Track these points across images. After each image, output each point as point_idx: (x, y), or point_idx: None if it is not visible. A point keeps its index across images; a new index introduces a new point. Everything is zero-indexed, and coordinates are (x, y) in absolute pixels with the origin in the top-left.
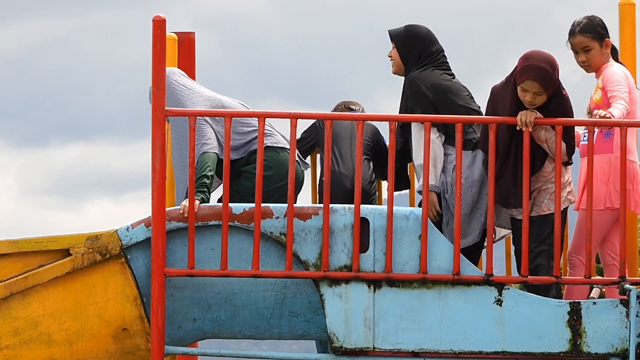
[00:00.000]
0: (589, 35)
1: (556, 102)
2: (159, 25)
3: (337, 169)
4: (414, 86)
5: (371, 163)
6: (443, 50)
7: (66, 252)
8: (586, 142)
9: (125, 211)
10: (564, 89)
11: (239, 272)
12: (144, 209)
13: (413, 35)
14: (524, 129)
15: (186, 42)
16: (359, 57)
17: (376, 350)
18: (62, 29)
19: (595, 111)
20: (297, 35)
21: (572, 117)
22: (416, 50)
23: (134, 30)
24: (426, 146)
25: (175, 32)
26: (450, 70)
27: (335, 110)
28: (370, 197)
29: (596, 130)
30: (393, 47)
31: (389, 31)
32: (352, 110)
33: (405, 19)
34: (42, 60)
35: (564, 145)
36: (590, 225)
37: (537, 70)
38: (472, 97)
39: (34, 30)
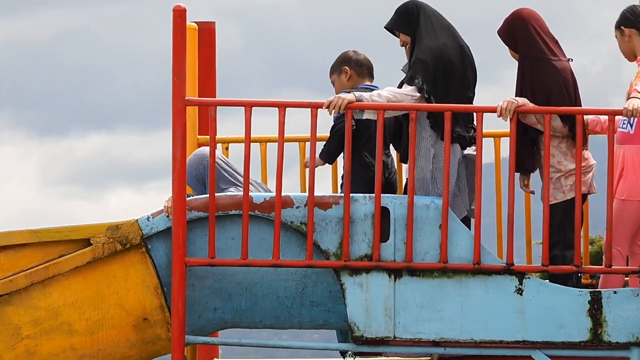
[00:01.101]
0: (626, 25)
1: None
2: (180, 14)
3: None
4: None
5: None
6: None
7: (87, 242)
8: (625, 130)
9: (147, 201)
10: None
11: (259, 261)
12: (165, 199)
13: None
14: (504, 120)
15: (206, 31)
16: (380, 47)
17: (397, 339)
18: (84, 19)
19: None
20: (318, 24)
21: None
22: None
23: (155, 20)
24: (447, 136)
25: (195, 22)
26: None
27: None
28: (395, 188)
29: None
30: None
31: None
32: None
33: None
34: (63, 50)
35: (560, 126)
36: (610, 215)
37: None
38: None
39: (56, 21)
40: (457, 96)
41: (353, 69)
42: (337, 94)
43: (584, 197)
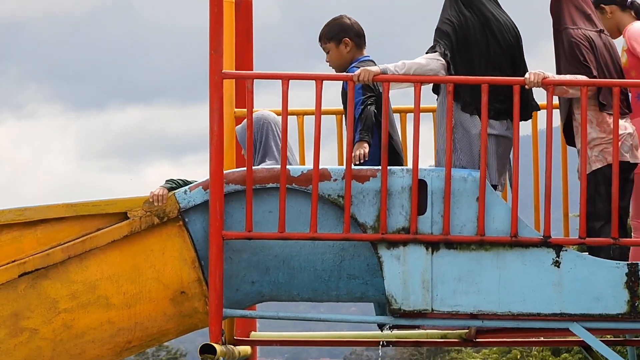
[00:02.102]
0: (605, 2)
1: None
2: None
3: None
4: None
5: None
6: None
7: (124, 216)
8: None
9: (184, 174)
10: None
11: (297, 234)
12: (203, 172)
13: None
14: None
15: (243, 4)
16: (419, 17)
17: (434, 312)
18: None
19: None
20: None
21: None
22: None
23: None
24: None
25: None
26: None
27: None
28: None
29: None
30: None
31: None
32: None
33: None
34: (101, 24)
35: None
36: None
37: None
38: None
39: None
40: (481, 69)
41: (353, 40)
42: (333, 63)
43: (629, 165)
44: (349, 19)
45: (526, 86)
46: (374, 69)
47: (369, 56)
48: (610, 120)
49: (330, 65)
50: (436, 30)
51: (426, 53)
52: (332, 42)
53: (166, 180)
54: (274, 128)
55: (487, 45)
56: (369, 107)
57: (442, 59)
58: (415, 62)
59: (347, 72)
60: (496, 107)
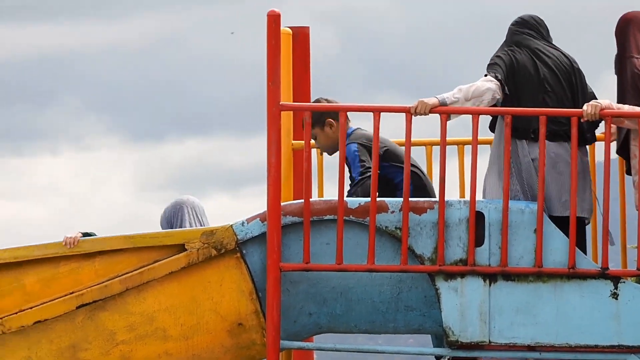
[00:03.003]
0: None
1: None
2: (274, 20)
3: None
4: None
5: None
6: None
7: (181, 247)
8: None
9: (242, 206)
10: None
11: (354, 266)
12: (261, 204)
13: None
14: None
15: (300, 36)
16: (474, 48)
17: (492, 344)
18: (181, 24)
19: None
20: (414, 27)
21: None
22: None
23: (250, 25)
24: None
25: (289, 27)
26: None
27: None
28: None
29: None
30: None
31: None
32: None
33: (522, 9)
34: (159, 56)
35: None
36: None
37: None
38: None
39: (153, 26)
40: (532, 93)
41: (335, 118)
42: (323, 147)
43: None
44: (326, 99)
45: (582, 119)
46: (431, 100)
47: (358, 127)
48: None
49: (321, 149)
50: (488, 64)
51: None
52: (316, 127)
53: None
54: (189, 211)
55: (536, 70)
56: (366, 180)
57: (494, 79)
58: (471, 85)
59: (347, 144)
60: (551, 129)
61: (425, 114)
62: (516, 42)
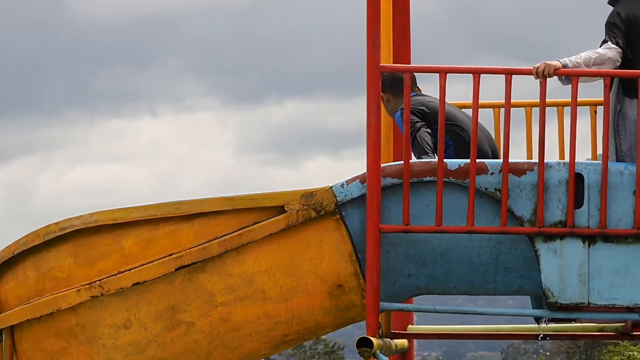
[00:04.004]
0: None
1: None
2: None
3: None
4: None
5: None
6: None
7: (281, 209)
8: None
9: (343, 167)
10: None
11: (454, 228)
12: (361, 165)
13: None
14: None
15: (400, 0)
16: (575, 18)
17: (591, 305)
18: None
19: None
20: None
21: None
22: None
23: None
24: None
25: None
26: None
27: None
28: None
29: None
30: None
31: None
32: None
33: None
34: (260, 18)
35: None
36: None
37: None
38: None
39: None
40: None
41: (388, 92)
42: (390, 110)
43: None
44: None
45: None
46: (554, 63)
47: (415, 93)
48: None
49: (389, 113)
50: (607, 23)
51: (600, 46)
52: (387, 92)
53: None
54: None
55: None
56: (417, 133)
57: (615, 46)
58: (593, 52)
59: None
60: None
61: (549, 75)
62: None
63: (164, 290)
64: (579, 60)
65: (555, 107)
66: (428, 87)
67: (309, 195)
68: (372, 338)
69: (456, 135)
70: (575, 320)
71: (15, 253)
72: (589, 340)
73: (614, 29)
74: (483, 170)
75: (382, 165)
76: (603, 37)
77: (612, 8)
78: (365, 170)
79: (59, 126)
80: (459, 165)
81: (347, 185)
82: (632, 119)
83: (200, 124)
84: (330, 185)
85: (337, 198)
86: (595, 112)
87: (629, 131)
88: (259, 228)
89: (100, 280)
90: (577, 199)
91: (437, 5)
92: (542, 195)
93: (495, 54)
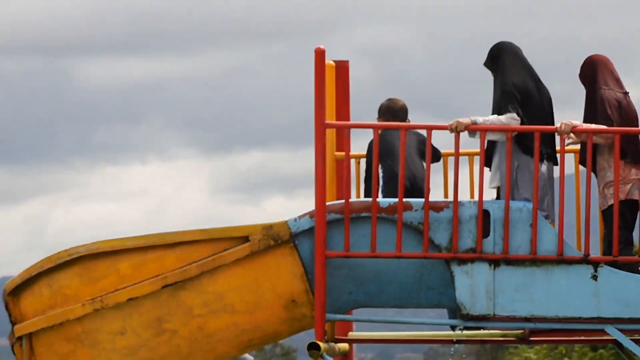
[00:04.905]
0: None
1: None
2: (320, 55)
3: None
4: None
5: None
6: None
7: (246, 239)
8: None
9: (296, 205)
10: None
11: (385, 253)
12: (311, 203)
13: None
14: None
15: (342, 68)
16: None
17: (496, 316)
18: (248, 58)
19: None
20: (437, 64)
21: None
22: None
23: (303, 57)
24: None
25: (333, 60)
26: None
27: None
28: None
29: None
30: None
31: None
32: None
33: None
34: (230, 83)
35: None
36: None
37: None
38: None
39: (225, 59)
40: (536, 121)
41: (380, 119)
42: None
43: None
44: (389, 100)
45: (558, 134)
46: (465, 120)
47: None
48: (624, 166)
49: None
50: (502, 92)
51: (499, 113)
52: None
53: None
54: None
55: (541, 102)
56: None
57: (518, 118)
58: (497, 119)
59: None
60: (547, 152)
61: (461, 131)
62: (526, 66)
63: (152, 304)
64: (487, 119)
65: (467, 156)
66: (365, 139)
67: (268, 227)
68: (319, 342)
69: (387, 166)
70: (483, 328)
71: (33, 275)
72: (494, 344)
73: (514, 100)
74: (409, 207)
75: (327, 203)
76: (496, 100)
77: (492, 71)
78: (314, 208)
79: (66, 172)
80: (389, 204)
81: (300, 219)
82: (527, 174)
83: (180, 170)
84: (286, 219)
85: (291, 230)
86: None
87: (527, 183)
88: (228, 254)
89: (101, 296)
90: (485, 230)
91: (374, 72)
92: (457, 227)
93: (421, 113)
